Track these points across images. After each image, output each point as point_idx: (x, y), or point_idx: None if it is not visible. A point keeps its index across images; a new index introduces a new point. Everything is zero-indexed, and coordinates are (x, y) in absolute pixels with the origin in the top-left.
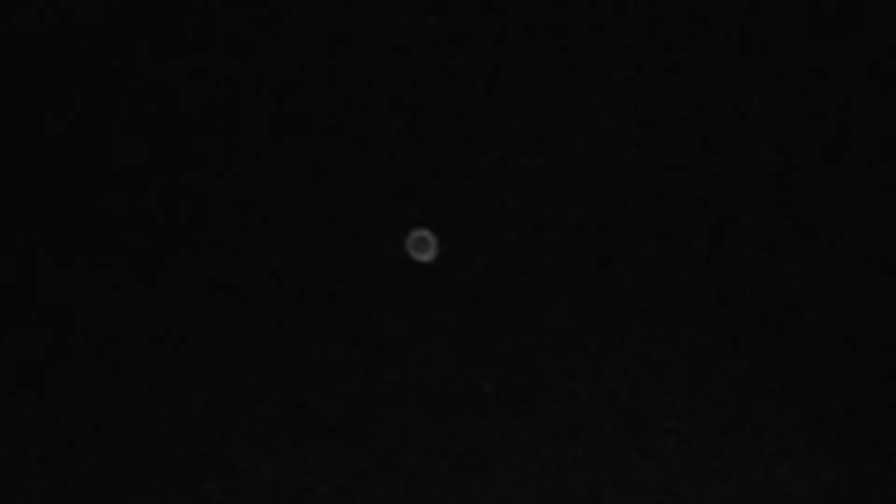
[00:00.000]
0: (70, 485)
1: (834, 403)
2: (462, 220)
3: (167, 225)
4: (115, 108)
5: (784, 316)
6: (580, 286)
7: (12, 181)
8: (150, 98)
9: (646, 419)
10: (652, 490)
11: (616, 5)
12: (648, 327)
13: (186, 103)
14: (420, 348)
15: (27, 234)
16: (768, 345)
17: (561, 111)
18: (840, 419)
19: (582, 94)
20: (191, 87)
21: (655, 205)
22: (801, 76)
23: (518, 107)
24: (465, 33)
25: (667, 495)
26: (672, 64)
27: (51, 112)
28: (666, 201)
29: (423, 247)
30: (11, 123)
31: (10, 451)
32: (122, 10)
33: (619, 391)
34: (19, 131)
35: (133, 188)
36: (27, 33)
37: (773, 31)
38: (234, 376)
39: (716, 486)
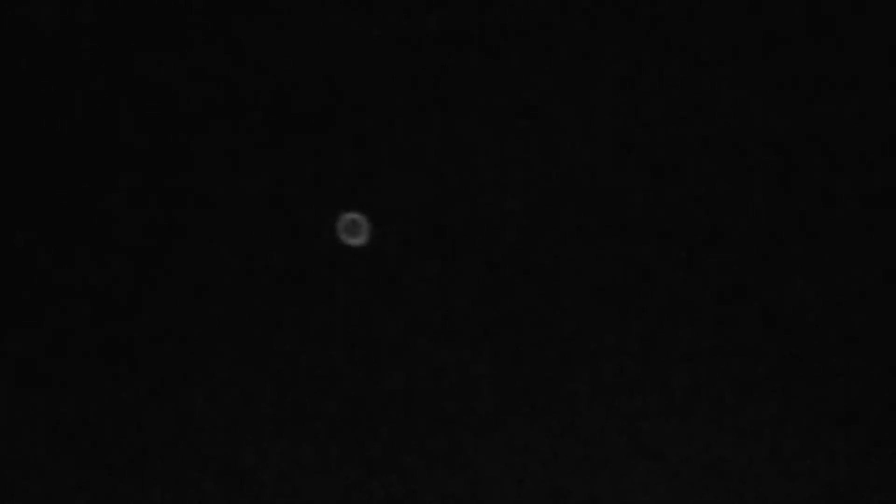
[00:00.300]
0: (69, 485)
1: (834, 403)
2: (395, 202)
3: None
4: (113, 108)
5: (784, 315)
6: (519, 269)
7: (12, 181)
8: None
9: (645, 419)
10: (652, 490)
11: (613, 5)
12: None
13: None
14: (357, 336)
15: (27, 233)
16: (768, 345)
17: (496, 94)
18: (840, 419)
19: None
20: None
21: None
22: (800, 77)
23: (451, 89)
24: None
25: (666, 495)
26: (666, 64)
27: (50, 112)
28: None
29: (355, 230)
30: (11, 123)
31: (10, 451)
32: (121, 10)
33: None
34: (19, 131)
35: (132, 187)
36: (28, 34)
37: (772, 32)
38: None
39: (716, 486)
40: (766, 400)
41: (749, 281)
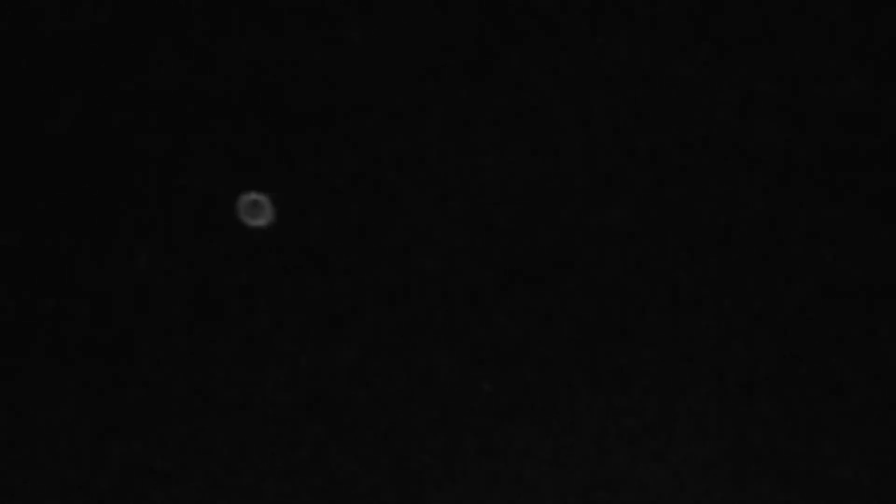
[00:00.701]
0: (70, 485)
1: (835, 404)
2: (298, 181)
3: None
4: (107, 110)
5: (784, 316)
6: (426, 250)
7: (11, 182)
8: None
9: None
10: (652, 490)
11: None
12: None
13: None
14: (262, 322)
15: (26, 234)
16: (772, 351)
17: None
18: (841, 419)
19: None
20: None
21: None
22: (800, 76)
23: (360, 67)
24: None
25: (666, 495)
26: (667, 64)
27: (50, 114)
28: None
29: (257, 211)
30: (11, 124)
31: (10, 451)
32: (122, 12)
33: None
34: (18, 132)
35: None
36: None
37: (773, 30)
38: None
39: (716, 487)
40: (766, 401)
41: (749, 281)
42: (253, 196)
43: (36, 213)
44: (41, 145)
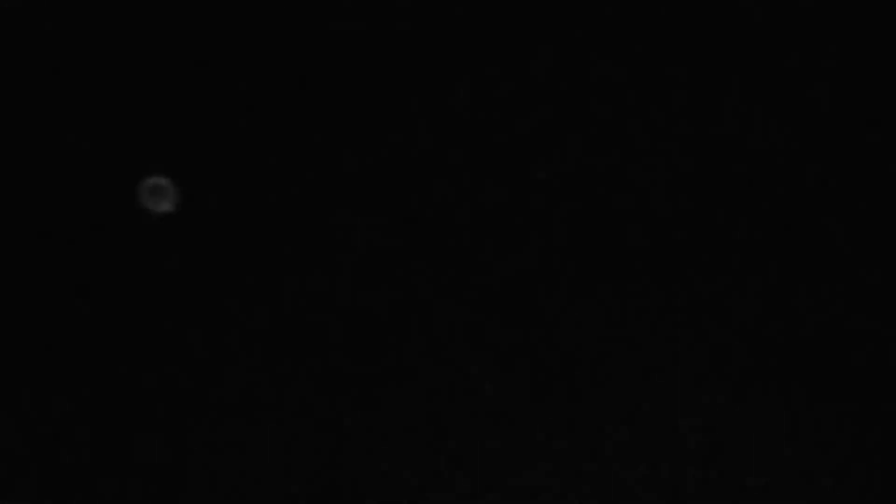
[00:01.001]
0: (71, 485)
1: (837, 404)
2: (205, 164)
3: None
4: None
5: (787, 320)
6: (342, 235)
7: (10, 182)
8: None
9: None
10: (652, 493)
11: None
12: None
13: None
14: (168, 312)
15: (25, 234)
16: (771, 350)
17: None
18: (843, 418)
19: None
20: None
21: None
22: (799, 76)
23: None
24: None
25: (667, 496)
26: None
27: (46, 114)
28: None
29: (160, 195)
30: (11, 125)
31: (10, 450)
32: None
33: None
34: (18, 132)
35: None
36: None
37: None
38: None
39: (718, 490)
40: (765, 400)
41: (749, 281)
42: (156, 179)
43: None
44: None
